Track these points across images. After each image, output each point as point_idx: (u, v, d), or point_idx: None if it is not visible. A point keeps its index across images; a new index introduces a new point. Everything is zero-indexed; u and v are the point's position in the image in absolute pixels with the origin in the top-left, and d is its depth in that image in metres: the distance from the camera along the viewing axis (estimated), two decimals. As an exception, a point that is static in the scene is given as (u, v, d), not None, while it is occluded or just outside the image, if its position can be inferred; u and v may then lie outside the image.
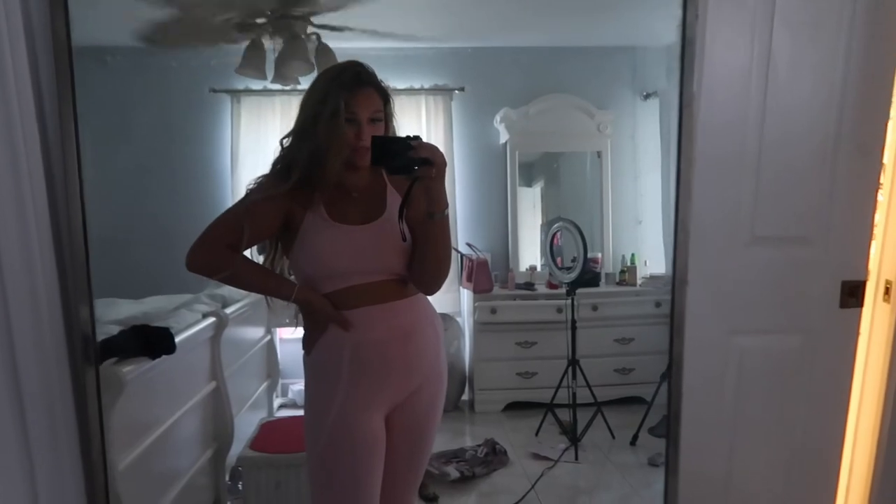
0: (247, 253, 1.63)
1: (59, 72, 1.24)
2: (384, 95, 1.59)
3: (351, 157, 1.56)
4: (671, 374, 1.77)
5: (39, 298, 1.23)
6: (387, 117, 1.60)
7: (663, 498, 1.88)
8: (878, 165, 1.79)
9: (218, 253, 1.55)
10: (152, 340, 2.14)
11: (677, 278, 1.73)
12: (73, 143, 1.28)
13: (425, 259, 1.58)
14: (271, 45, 3.48)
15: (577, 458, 3.50)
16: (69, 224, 1.28)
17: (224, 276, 1.61)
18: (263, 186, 1.58)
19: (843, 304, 1.82)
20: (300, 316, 1.67)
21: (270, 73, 3.65)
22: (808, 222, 1.78)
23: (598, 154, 4.81)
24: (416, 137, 1.45)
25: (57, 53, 1.24)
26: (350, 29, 3.52)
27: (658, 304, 4.25)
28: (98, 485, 1.37)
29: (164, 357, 2.17)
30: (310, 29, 3.49)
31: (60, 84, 1.25)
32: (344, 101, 1.52)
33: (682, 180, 1.64)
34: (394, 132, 1.63)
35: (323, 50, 3.45)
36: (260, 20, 3.43)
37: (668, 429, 1.84)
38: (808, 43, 1.68)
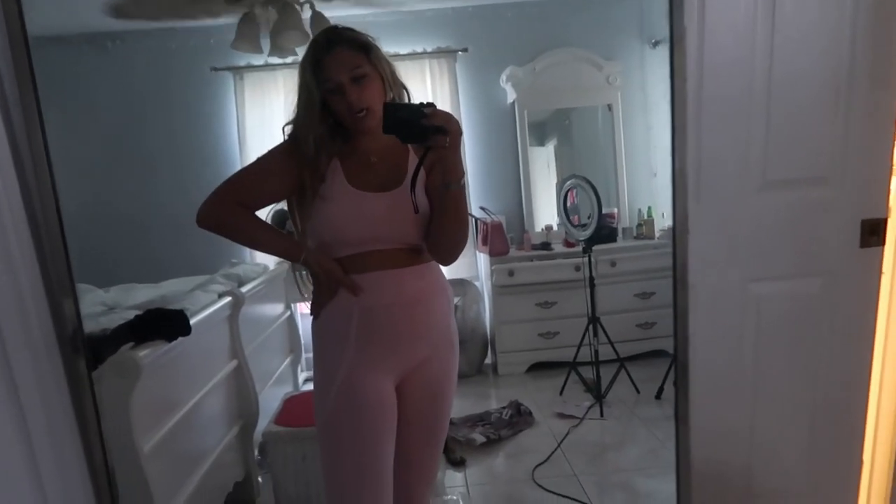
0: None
1: (16, 59, 1.22)
2: (363, 48, 1.54)
3: (353, 125, 1.54)
4: (676, 326, 1.73)
5: (24, 295, 1.23)
6: (377, 68, 1.55)
7: (675, 450, 1.86)
8: (894, 98, 1.71)
9: (228, 208, 1.55)
10: (167, 323, 2.15)
11: (678, 227, 1.68)
12: (38, 132, 1.26)
13: (441, 230, 1.55)
14: (266, 17, 3.42)
15: (602, 415, 3.51)
16: (45, 216, 1.26)
17: (232, 233, 1.61)
18: (279, 147, 1.59)
19: (864, 244, 1.75)
20: (310, 285, 1.66)
21: (266, 48, 3.60)
22: (823, 161, 1.71)
23: (609, 107, 4.71)
24: (431, 104, 1.40)
25: (12, 40, 1.21)
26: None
27: (677, 256, 4.19)
28: (100, 473, 1.38)
29: (181, 339, 2.18)
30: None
31: (19, 72, 1.23)
32: (315, 75, 1.51)
33: (676, 125, 1.58)
34: (398, 84, 1.59)
35: (317, 18, 3.39)
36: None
37: (677, 381, 1.82)
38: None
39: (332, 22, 3.35)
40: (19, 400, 1.17)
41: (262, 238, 1.65)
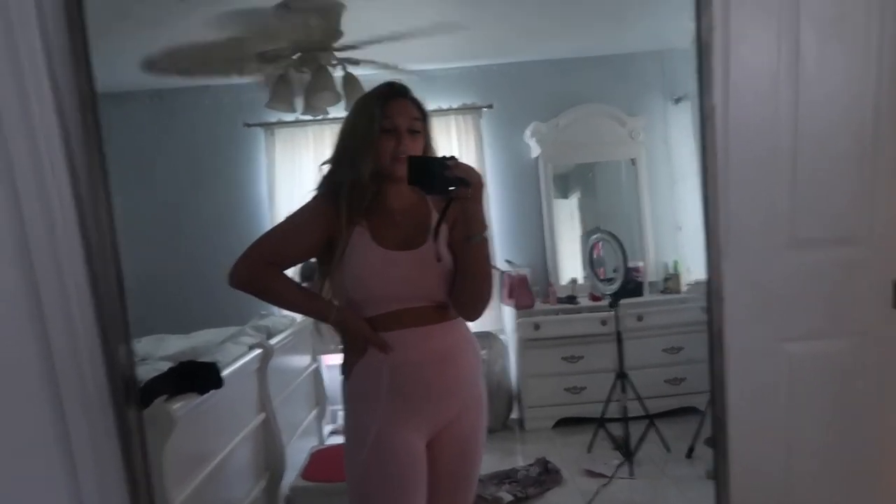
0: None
1: (85, 121, 1.29)
2: (421, 109, 1.64)
3: (391, 168, 1.58)
4: (713, 392, 1.72)
5: (79, 343, 1.27)
6: (426, 134, 1.64)
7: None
8: (921, 157, 1.73)
9: (260, 269, 1.59)
10: (199, 375, 2.17)
11: (713, 293, 1.68)
12: (101, 190, 1.33)
13: (465, 284, 1.57)
14: (299, 78, 3.55)
15: (632, 474, 3.43)
16: (104, 269, 1.32)
17: (265, 294, 1.64)
18: (307, 206, 1.64)
19: (896, 304, 1.75)
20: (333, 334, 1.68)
21: (300, 106, 3.72)
22: (851, 221, 1.71)
23: (633, 161, 4.76)
24: (452, 157, 1.45)
25: (82, 103, 1.28)
26: (372, 62, 3.58)
27: (705, 311, 4.15)
28: None
29: (212, 391, 2.20)
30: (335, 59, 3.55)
31: (88, 134, 1.30)
32: (380, 109, 1.57)
33: (709, 194, 1.60)
34: (433, 152, 1.66)
35: (349, 80, 3.51)
36: (294, 56, 3.50)
37: (715, 442, 1.79)
38: (837, 38, 1.63)
39: (363, 81, 3.48)
40: (69, 445, 1.20)
41: (292, 299, 1.68)
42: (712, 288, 1.70)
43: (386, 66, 3.58)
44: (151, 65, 3.99)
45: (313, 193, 1.66)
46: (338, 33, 3.34)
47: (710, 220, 1.64)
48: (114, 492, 1.34)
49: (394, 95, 1.61)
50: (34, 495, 1.30)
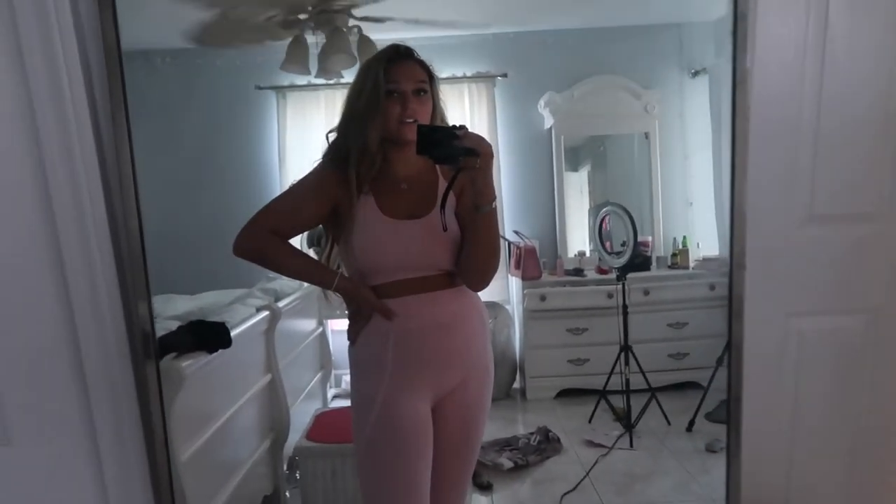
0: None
1: (110, 75, 1.29)
2: (428, 71, 1.60)
3: (398, 132, 1.55)
4: (731, 359, 1.72)
5: (100, 297, 1.29)
6: (434, 96, 1.60)
7: (725, 483, 1.84)
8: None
9: (263, 238, 1.57)
10: (209, 335, 2.19)
11: (734, 262, 1.67)
12: (126, 145, 1.33)
13: (472, 254, 1.56)
14: (314, 40, 3.51)
15: (631, 445, 3.46)
16: (126, 225, 1.32)
17: (268, 263, 1.62)
18: (312, 175, 1.61)
19: (910, 283, 1.74)
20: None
21: (314, 68, 3.69)
22: (870, 198, 1.70)
23: (646, 135, 4.71)
24: (462, 127, 1.43)
25: (108, 57, 1.27)
26: (391, 19, 3.52)
27: (712, 287, 4.15)
28: (163, 478, 1.42)
29: (220, 351, 2.22)
30: (351, 22, 3.51)
31: (112, 87, 1.30)
32: (384, 71, 1.54)
33: (737, 163, 1.58)
34: (442, 114, 1.63)
35: (364, 42, 3.47)
36: (302, 16, 3.46)
37: (729, 414, 1.80)
38: (865, 12, 1.60)
39: (378, 45, 3.44)
40: (87, 396, 1.22)
41: (296, 268, 1.66)
42: (734, 256, 1.69)
43: (405, 21, 3.51)
44: (192, 37, 3.95)
45: (319, 161, 1.64)
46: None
47: (736, 186, 1.63)
48: (130, 442, 1.36)
49: (398, 58, 1.57)
50: (53, 443, 1.33)
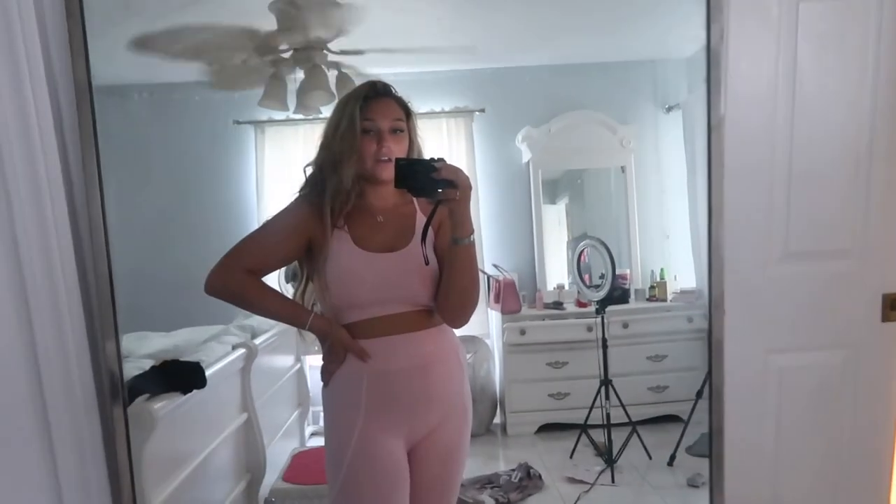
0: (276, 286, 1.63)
1: (81, 119, 1.27)
2: (405, 108, 1.59)
3: (373, 171, 1.54)
4: (711, 398, 1.72)
5: (66, 338, 1.25)
6: (410, 132, 1.60)
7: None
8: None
9: (236, 277, 1.54)
10: (183, 375, 2.14)
11: (713, 304, 1.68)
12: (95, 183, 1.31)
13: (451, 288, 1.53)
14: (293, 77, 3.52)
15: (613, 481, 3.43)
16: (95, 269, 1.29)
17: (240, 302, 1.60)
18: (286, 211, 1.59)
19: (885, 318, 1.76)
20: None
21: (292, 104, 3.69)
22: (844, 235, 1.73)
23: (622, 169, 4.76)
24: (441, 159, 1.43)
25: (79, 101, 1.26)
26: (364, 52, 3.54)
27: (690, 320, 4.17)
28: None
29: (195, 391, 2.17)
30: (330, 58, 3.53)
31: (83, 126, 1.28)
32: (360, 109, 1.52)
33: (713, 206, 1.60)
34: (419, 151, 1.62)
35: (343, 79, 3.49)
36: (284, 54, 3.47)
37: (711, 450, 1.79)
38: (834, 53, 1.65)
39: (357, 82, 3.46)
40: (51, 440, 1.17)
41: (269, 307, 1.63)
42: (713, 299, 1.70)
43: (381, 51, 3.53)
44: (144, 43, 3.89)
45: (295, 195, 1.62)
46: (336, 31, 3.30)
47: (713, 230, 1.64)
48: (95, 490, 1.31)
49: (375, 95, 1.56)
50: (15, 492, 1.27)
